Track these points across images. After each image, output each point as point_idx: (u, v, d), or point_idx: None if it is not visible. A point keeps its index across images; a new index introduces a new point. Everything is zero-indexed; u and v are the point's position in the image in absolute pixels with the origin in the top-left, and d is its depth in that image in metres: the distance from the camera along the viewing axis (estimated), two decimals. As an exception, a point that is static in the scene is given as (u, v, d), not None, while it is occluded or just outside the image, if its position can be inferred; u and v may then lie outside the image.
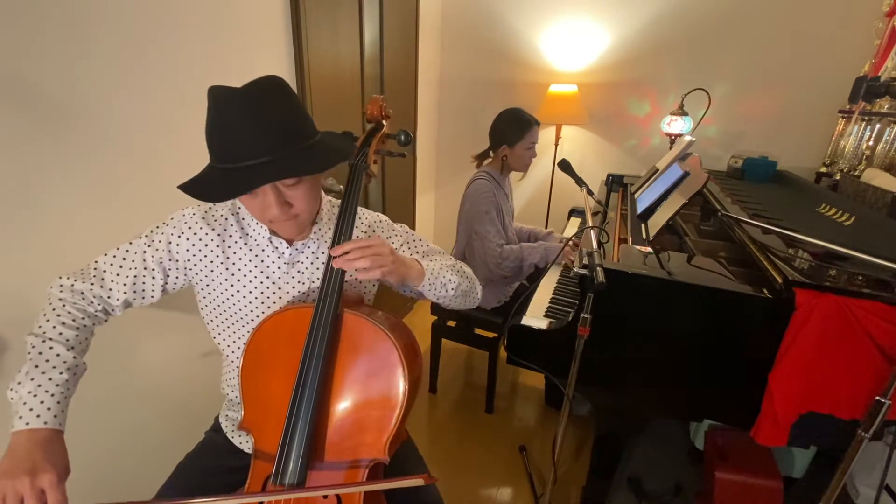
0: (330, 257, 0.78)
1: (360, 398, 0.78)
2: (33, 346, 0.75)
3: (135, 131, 1.20)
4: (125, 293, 0.84)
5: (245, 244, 0.88)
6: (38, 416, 0.69)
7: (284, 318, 0.81)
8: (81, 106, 1.08)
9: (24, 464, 0.65)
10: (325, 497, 0.78)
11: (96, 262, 0.84)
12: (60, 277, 0.82)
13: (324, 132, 0.83)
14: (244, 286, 0.88)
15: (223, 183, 0.70)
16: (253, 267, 0.88)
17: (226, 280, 0.88)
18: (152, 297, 0.88)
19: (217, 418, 1.04)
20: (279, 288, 0.89)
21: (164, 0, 1.20)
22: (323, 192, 0.93)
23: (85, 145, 1.10)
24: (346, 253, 0.76)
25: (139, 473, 1.30)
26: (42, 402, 0.70)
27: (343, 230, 0.81)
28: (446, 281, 0.91)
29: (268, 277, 0.88)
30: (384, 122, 0.95)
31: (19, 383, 0.71)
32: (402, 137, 0.93)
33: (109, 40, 1.11)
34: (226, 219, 0.88)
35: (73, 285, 0.81)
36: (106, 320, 0.87)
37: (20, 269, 1.03)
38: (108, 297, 0.84)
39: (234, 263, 0.87)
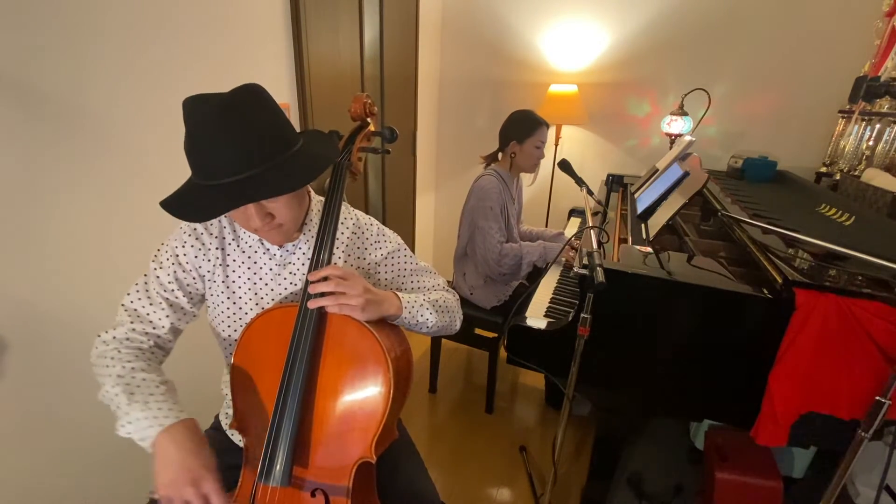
0: (312, 262, 0.79)
1: (344, 397, 0.77)
2: (115, 385, 0.75)
3: (136, 133, 1.20)
4: (168, 316, 0.85)
5: (238, 246, 0.88)
6: (165, 416, 0.71)
7: (272, 317, 0.81)
8: (83, 108, 1.08)
9: (185, 473, 0.67)
10: (314, 496, 0.77)
11: (123, 305, 0.85)
12: (99, 335, 0.83)
13: (306, 133, 0.82)
14: (239, 287, 0.88)
15: (203, 201, 0.69)
16: (246, 269, 0.88)
17: (222, 282, 0.88)
18: (185, 311, 0.88)
19: (217, 417, 1.04)
20: (272, 290, 0.89)
21: (164, 1, 1.20)
22: (313, 193, 0.93)
23: (87, 148, 1.11)
24: (323, 279, 0.75)
25: (139, 471, 1.30)
26: (160, 409, 0.72)
27: (326, 233, 0.80)
28: (423, 320, 0.88)
29: (260, 279, 0.88)
30: (369, 119, 0.94)
31: (126, 413, 0.72)
32: (387, 134, 0.92)
33: (110, 42, 1.11)
34: (219, 221, 0.88)
35: (114, 337, 0.82)
36: (164, 355, 0.88)
37: (21, 269, 1.03)
38: (154, 329, 0.84)
39: (228, 265, 0.88)
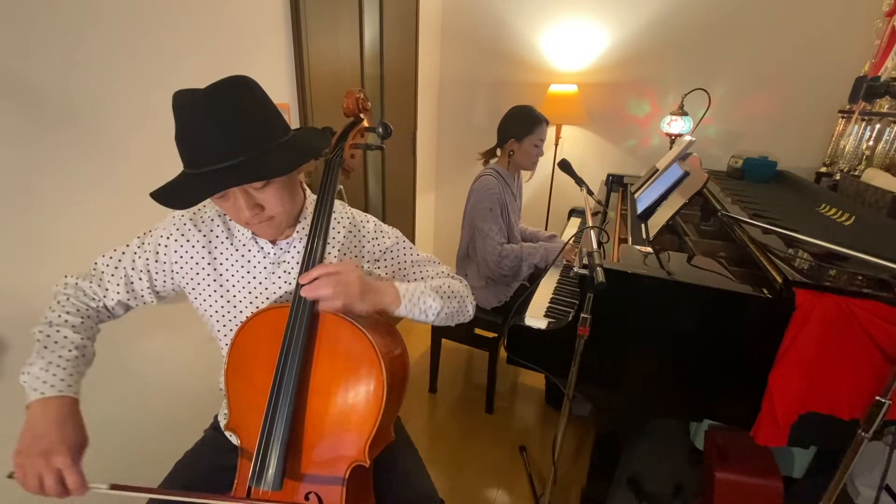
0: (304, 259, 0.77)
1: (337, 399, 0.76)
2: (40, 332, 0.77)
3: (134, 132, 1.20)
4: (118, 293, 0.86)
5: (231, 244, 0.88)
6: (51, 385, 0.71)
7: (266, 317, 0.80)
8: (81, 107, 1.08)
9: (40, 444, 0.67)
10: (307, 499, 0.77)
11: (96, 262, 0.87)
12: (66, 276, 0.85)
13: (299, 129, 0.82)
14: (232, 286, 0.88)
15: (187, 189, 0.69)
16: (240, 267, 0.88)
17: (214, 281, 0.88)
18: (143, 299, 0.89)
19: (216, 416, 1.04)
20: (266, 288, 0.88)
21: (163, 0, 1.20)
22: (308, 191, 0.92)
23: (85, 146, 1.11)
24: (315, 280, 0.73)
25: (139, 471, 1.30)
26: (54, 375, 0.72)
27: (318, 229, 0.78)
28: (426, 307, 0.85)
29: (255, 277, 0.88)
30: (362, 115, 0.93)
31: (30, 364, 0.73)
32: (381, 130, 0.90)
33: (109, 41, 1.11)
34: (212, 220, 0.88)
35: (76, 283, 0.85)
36: (109, 318, 0.89)
37: (20, 269, 1.03)
38: (105, 297, 0.86)
39: (220, 264, 0.88)
